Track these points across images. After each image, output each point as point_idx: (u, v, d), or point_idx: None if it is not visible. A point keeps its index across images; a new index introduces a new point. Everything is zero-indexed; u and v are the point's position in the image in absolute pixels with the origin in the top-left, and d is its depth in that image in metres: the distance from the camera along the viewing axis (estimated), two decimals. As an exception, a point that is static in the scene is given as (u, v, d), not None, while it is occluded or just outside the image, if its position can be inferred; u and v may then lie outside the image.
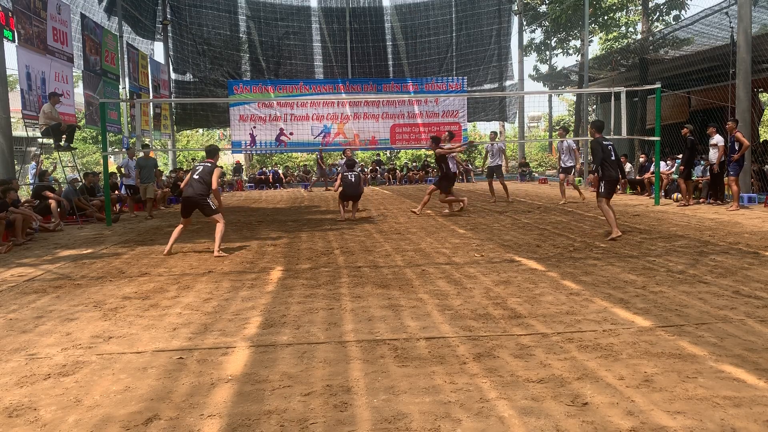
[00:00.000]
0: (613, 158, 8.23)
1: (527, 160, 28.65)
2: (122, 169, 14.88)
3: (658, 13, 26.07)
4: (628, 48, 22.74)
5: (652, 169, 14.93)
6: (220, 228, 7.72)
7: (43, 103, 13.10)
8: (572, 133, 23.86)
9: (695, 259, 6.49)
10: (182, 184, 8.27)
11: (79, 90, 19.38)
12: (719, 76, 15.70)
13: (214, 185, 7.81)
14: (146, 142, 19.01)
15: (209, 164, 7.99)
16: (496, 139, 15.83)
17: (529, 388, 3.06)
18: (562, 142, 14.17)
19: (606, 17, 28.23)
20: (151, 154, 15.54)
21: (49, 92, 13.31)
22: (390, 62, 27.80)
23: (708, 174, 13.20)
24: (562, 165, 14.18)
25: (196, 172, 7.91)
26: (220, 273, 6.34)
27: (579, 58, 26.58)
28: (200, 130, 36.75)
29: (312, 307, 4.80)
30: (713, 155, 12.30)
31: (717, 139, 12.15)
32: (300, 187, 23.90)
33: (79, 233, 10.36)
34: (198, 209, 7.83)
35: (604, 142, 8.24)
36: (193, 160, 29.12)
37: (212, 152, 8.25)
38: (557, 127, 15.62)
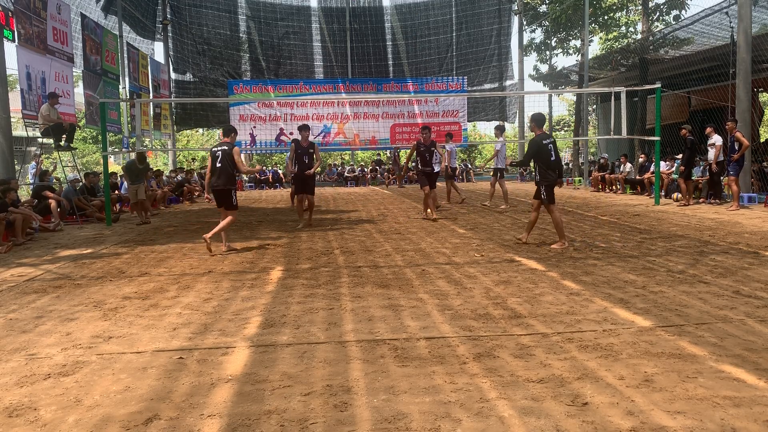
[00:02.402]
0: (553, 159, 7.34)
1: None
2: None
3: (658, 13, 26.05)
4: (628, 48, 22.74)
5: (652, 169, 14.94)
6: (226, 222, 7.72)
7: (43, 103, 13.10)
8: (572, 132, 23.82)
9: (695, 259, 6.49)
10: (207, 173, 8.20)
11: (79, 90, 19.39)
12: (719, 76, 15.70)
13: (240, 167, 7.70)
14: (132, 141, 18.72)
15: (227, 147, 7.77)
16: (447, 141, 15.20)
17: (529, 388, 3.06)
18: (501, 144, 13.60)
19: (606, 17, 28.22)
20: (149, 154, 15.32)
21: (48, 92, 13.31)
22: (390, 62, 27.81)
23: (707, 174, 13.22)
24: (494, 166, 13.44)
25: (217, 160, 7.73)
26: (220, 273, 6.34)
27: (579, 58, 26.57)
28: (200, 130, 36.79)
29: (312, 307, 4.80)
30: (712, 155, 12.34)
31: (715, 138, 12.19)
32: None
33: (79, 233, 10.36)
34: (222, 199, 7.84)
35: (544, 141, 7.31)
36: (193, 160, 29.12)
37: (228, 131, 8.04)
38: (495, 128, 15.07)
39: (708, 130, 12.40)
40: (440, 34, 27.72)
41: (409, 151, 10.40)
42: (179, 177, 18.95)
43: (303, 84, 25.77)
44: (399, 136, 25.49)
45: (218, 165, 7.71)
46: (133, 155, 13.98)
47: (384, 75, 27.24)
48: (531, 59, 42.49)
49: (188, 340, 4.00)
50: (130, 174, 12.15)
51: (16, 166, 13.16)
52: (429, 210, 10.88)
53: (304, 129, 9.81)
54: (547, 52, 30.98)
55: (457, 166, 12.84)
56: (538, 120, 7.52)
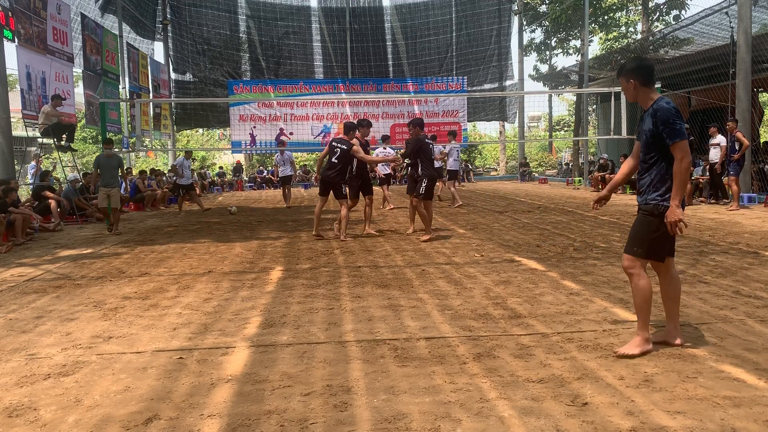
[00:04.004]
0: (432, 157, 8.37)
1: (527, 160, 28.66)
2: (177, 169, 14.39)
3: (658, 13, 26.08)
4: (628, 48, 22.74)
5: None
6: (343, 213, 8.39)
7: (44, 104, 13.10)
8: (572, 132, 23.82)
9: (695, 259, 6.49)
10: (317, 164, 8.91)
11: (79, 90, 19.38)
12: (719, 76, 15.70)
13: (369, 159, 8.44)
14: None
15: (345, 146, 8.30)
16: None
17: (529, 388, 3.06)
18: (453, 147, 13.81)
19: (606, 17, 28.23)
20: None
21: (51, 94, 13.29)
22: (390, 62, 27.80)
23: (707, 174, 13.21)
24: (449, 168, 13.75)
25: (335, 155, 8.31)
26: (220, 273, 6.34)
27: (579, 58, 26.58)
28: (200, 130, 36.77)
29: (312, 307, 4.80)
30: (715, 155, 12.28)
31: (719, 139, 12.13)
32: (300, 187, 23.86)
33: (79, 233, 10.36)
34: (332, 189, 8.43)
35: (426, 140, 8.25)
36: (193, 160, 29.09)
37: (348, 128, 8.57)
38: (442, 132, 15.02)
39: (712, 130, 12.35)
40: (440, 34, 27.70)
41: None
42: (174, 177, 18.86)
43: (303, 84, 25.76)
44: (399, 136, 25.47)
45: (334, 160, 8.30)
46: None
47: (384, 75, 27.22)
48: (531, 59, 42.58)
49: (188, 340, 4.00)
50: (101, 171, 10.25)
51: (15, 166, 13.16)
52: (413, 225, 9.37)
53: (365, 125, 9.17)
54: (547, 52, 31.00)
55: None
56: (419, 124, 8.46)
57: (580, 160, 23.47)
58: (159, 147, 31.06)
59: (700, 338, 3.79)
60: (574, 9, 25.55)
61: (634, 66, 3.63)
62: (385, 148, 14.02)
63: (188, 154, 14.44)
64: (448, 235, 8.89)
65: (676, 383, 3.07)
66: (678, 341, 3.65)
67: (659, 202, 3.54)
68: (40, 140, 15.14)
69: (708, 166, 12.88)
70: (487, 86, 28.03)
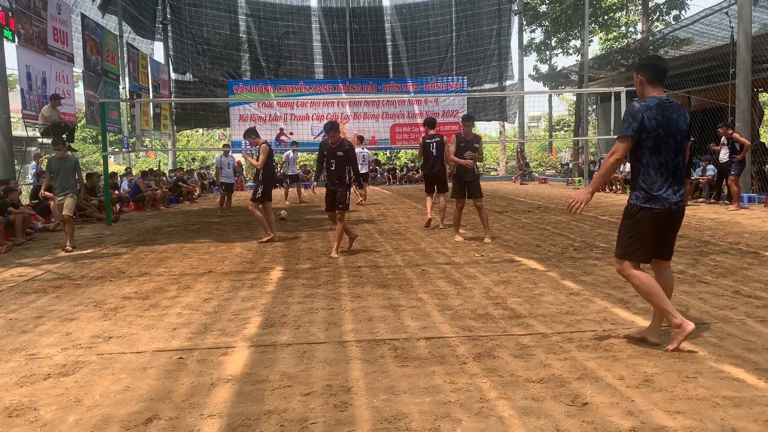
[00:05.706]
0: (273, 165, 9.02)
1: (527, 160, 28.65)
2: (218, 169, 14.01)
3: (658, 13, 26.06)
4: (628, 48, 22.74)
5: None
6: (443, 201, 9.38)
7: (44, 104, 13.09)
8: (572, 132, 23.80)
9: (695, 259, 6.49)
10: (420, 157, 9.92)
11: (79, 90, 19.38)
12: (719, 76, 15.70)
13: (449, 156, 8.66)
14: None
15: (440, 138, 9.38)
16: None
17: (529, 388, 3.06)
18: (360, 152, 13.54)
19: (606, 17, 28.21)
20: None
21: (50, 94, 13.28)
22: (390, 62, 27.79)
23: (709, 173, 13.17)
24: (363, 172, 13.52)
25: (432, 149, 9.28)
26: (220, 273, 6.34)
27: (579, 58, 26.57)
28: (200, 130, 36.77)
29: (312, 307, 4.80)
30: (726, 155, 12.00)
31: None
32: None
33: (79, 233, 10.34)
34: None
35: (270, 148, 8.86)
36: (193, 159, 29.08)
37: (432, 124, 9.61)
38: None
39: (730, 131, 11.96)
40: (440, 34, 27.69)
41: (452, 147, 8.44)
42: (173, 176, 18.86)
43: (303, 84, 25.74)
44: (399, 136, 25.47)
45: (434, 153, 9.29)
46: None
47: (384, 75, 27.21)
48: (531, 59, 42.58)
49: (188, 340, 4.00)
50: (54, 174, 8.56)
51: (16, 166, 13.15)
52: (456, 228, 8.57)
53: (467, 120, 8.59)
54: (547, 52, 30.99)
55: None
56: (254, 132, 8.94)
57: (581, 160, 23.47)
58: (159, 147, 31.06)
59: (700, 338, 3.79)
60: (574, 9, 25.54)
61: (643, 62, 3.73)
62: (362, 149, 14.37)
63: (226, 151, 13.58)
64: (448, 235, 8.88)
65: (676, 383, 3.07)
66: (654, 340, 3.65)
67: (630, 201, 3.61)
68: (40, 140, 15.14)
69: (706, 166, 12.67)
70: (487, 86, 28.03)
